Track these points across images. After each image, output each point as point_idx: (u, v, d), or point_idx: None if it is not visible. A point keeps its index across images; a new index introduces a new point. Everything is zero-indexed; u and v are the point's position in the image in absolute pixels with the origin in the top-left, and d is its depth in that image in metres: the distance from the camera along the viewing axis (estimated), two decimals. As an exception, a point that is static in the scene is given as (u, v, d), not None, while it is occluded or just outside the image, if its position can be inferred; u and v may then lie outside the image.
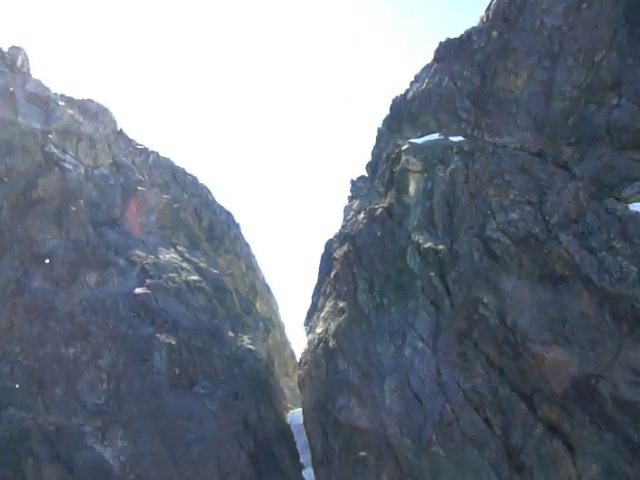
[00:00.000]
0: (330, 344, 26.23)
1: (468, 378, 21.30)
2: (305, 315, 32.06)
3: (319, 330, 27.91)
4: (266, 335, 42.12)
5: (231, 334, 32.86)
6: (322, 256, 31.91)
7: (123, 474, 23.21)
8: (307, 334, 30.49)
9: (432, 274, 24.12)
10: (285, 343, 49.62)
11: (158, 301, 30.64)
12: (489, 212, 22.06)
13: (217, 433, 26.38)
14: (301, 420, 29.96)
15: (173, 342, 28.45)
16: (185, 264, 35.93)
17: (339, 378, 25.00)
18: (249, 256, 50.15)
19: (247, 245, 50.71)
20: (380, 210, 28.77)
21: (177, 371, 27.91)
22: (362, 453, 23.23)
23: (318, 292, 31.13)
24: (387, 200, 28.93)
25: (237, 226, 50.94)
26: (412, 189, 27.62)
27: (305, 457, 28.58)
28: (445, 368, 22.33)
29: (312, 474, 27.73)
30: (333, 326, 26.66)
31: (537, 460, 17.94)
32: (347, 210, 31.28)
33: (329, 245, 31.59)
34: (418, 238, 25.60)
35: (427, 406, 22.25)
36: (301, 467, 28.32)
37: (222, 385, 29.08)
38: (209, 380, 29.02)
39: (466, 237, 22.90)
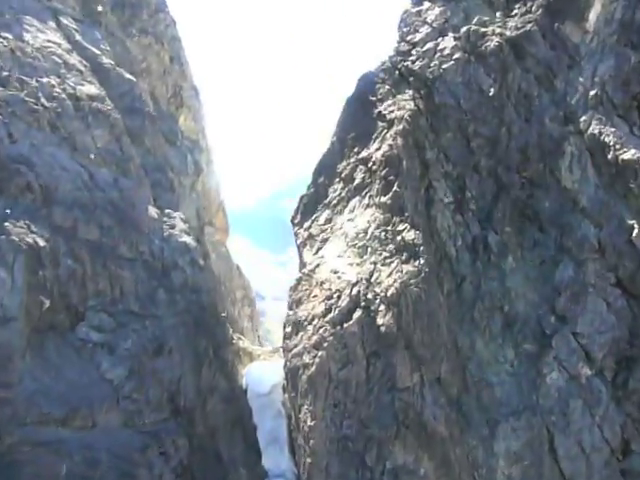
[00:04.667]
0: (381, 321, 12.62)
1: None
2: (298, 204, 17.42)
3: (348, 272, 13.92)
4: (196, 178, 27.51)
5: (153, 211, 18.14)
6: (348, 102, 16.80)
7: None
8: (300, 242, 16.39)
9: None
10: (212, 174, 35.06)
11: (15, 140, 15.20)
12: None
13: (120, 441, 13.28)
14: (267, 386, 17.33)
15: (40, 241, 13.79)
16: (75, 57, 19.56)
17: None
18: (174, 41, 32.66)
19: (173, 23, 32.82)
20: (496, 41, 14.15)
21: (46, 303, 13.70)
22: None
23: (331, 169, 16.60)
24: (514, 23, 14.21)
25: (157, -9, 32.59)
26: (593, 14, 13.16)
27: (269, 455, 16.43)
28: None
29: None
30: (386, 279, 12.86)
31: None
32: (410, 22, 15.90)
33: (366, 83, 16.46)
34: (596, 127, 11.96)
35: None
36: (263, 476, 16.15)
37: (133, 323, 15.30)
38: (108, 312, 15.11)
39: None
